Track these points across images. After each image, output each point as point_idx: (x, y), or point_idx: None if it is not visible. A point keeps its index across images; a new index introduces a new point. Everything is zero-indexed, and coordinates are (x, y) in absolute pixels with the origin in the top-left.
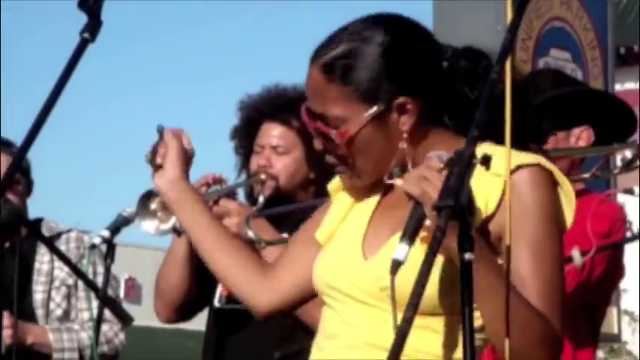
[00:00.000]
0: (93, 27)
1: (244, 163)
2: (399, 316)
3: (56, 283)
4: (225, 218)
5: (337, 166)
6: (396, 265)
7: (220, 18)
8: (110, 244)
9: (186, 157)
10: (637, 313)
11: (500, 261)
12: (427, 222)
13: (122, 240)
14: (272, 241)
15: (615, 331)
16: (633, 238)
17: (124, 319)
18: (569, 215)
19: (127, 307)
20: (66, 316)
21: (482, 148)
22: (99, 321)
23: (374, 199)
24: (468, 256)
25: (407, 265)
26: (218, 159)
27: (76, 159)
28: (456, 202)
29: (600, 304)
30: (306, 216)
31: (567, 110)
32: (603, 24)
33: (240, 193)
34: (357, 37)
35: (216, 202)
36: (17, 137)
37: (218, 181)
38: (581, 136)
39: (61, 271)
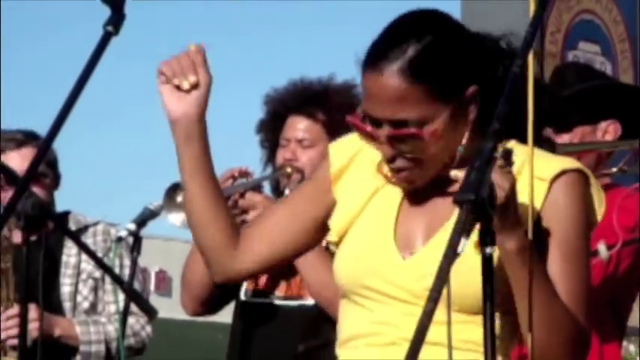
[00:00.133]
0: (116, 20)
1: (270, 157)
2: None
3: (83, 276)
4: (250, 211)
5: (406, 170)
6: (455, 257)
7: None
8: (136, 237)
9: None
10: None
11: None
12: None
13: (153, 232)
14: None
15: None
16: None
17: (149, 312)
18: (599, 213)
19: (158, 299)
20: (93, 308)
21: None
22: (125, 314)
23: (396, 192)
24: (489, 250)
25: (457, 264)
26: (244, 152)
27: (104, 152)
28: (477, 196)
29: (626, 298)
30: None
31: (594, 104)
32: (633, 16)
33: (266, 187)
34: (422, 34)
35: (242, 195)
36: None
37: (244, 174)
38: (607, 130)
39: (88, 264)
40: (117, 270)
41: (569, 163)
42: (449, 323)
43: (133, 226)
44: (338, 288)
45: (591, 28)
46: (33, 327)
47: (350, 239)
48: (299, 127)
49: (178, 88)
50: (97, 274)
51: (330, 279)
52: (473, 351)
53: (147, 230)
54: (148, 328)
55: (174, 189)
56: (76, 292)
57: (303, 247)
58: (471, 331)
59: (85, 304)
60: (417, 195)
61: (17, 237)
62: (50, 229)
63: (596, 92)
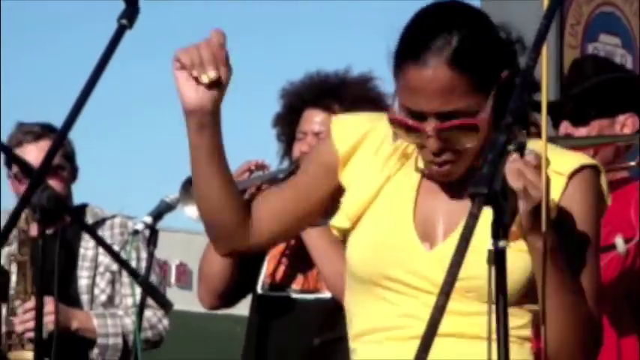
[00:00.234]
0: (130, 14)
1: (287, 150)
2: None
3: (100, 269)
4: None
5: (451, 163)
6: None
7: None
8: (153, 230)
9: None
10: None
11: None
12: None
13: (173, 226)
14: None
15: None
16: None
17: (165, 305)
18: (607, 203)
19: (178, 292)
20: (110, 301)
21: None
22: (141, 307)
23: (411, 179)
24: (501, 243)
25: (483, 256)
26: (261, 146)
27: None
28: (490, 190)
29: None
30: None
31: (612, 97)
32: None
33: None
34: (459, 24)
35: (258, 188)
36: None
37: (260, 167)
38: (626, 123)
39: (106, 257)
40: (134, 263)
41: (585, 158)
42: (491, 314)
43: (149, 219)
44: (350, 275)
45: (612, 20)
46: (49, 320)
47: (366, 226)
48: (315, 120)
49: (196, 80)
50: (115, 267)
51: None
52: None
53: (167, 223)
54: (165, 321)
55: (190, 182)
56: (93, 285)
57: (309, 223)
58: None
59: (103, 297)
60: (438, 186)
61: (35, 230)
62: (67, 223)
63: (614, 85)
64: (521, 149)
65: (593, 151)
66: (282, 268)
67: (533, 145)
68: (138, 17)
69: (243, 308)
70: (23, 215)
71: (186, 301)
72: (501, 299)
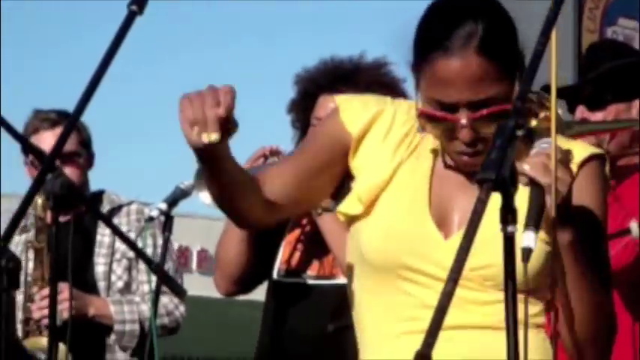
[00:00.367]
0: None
1: (302, 137)
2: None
3: (117, 256)
4: None
5: (481, 153)
6: (528, 253)
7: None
8: (168, 217)
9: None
10: None
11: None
12: None
13: (195, 212)
14: (328, 207)
15: None
16: None
17: (178, 292)
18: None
19: (200, 278)
20: (127, 288)
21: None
22: (157, 294)
23: (424, 165)
24: (510, 229)
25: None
26: (275, 132)
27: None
28: (498, 175)
29: None
30: None
31: (628, 81)
32: None
33: None
34: (481, 12)
35: None
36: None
37: (275, 153)
38: None
39: (122, 244)
40: (150, 250)
41: (592, 148)
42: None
43: (164, 206)
44: (362, 262)
45: (630, 3)
46: (65, 307)
47: (380, 213)
48: (330, 106)
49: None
50: (131, 253)
51: None
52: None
53: (189, 209)
54: (182, 308)
55: None
56: (110, 271)
57: (319, 199)
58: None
59: (119, 284)
60: (453, 174)
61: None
62: (84, 209)
63: (631, 69)
64: (530, 135)
65: (609, 136)
66: (297, 254)
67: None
68: (147, 3)
69: (262, 294)
70: (40, 202)
71: (207, 286)
72: (510, 285)
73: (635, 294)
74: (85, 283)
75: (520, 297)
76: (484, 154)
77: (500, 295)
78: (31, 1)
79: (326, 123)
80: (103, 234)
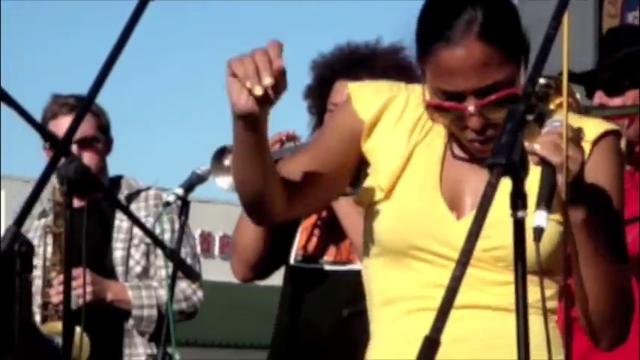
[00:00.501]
0: None
1: (318, 123)
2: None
3: (135, 241)
4: None
5: (494, 139)
6: (539, 232)
7: None
8: (184, 202)
9: None
10: None
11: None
12: None
13: (217, 197)
14: (345, 192)
15: None
16: None
17: (192, 277)
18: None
19: (222, 263)
20: (145, 273)
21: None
22: (173, 279)
23: (436, 148)
24: (520, 213)
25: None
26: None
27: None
28: (508, 160)
29: None
30: None
31: None
32: None
33: None
34: None
35: None
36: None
37: (291, 138)
38: None
39: None
40: (169, 235)
41: (607, 124)
42: (542, 291)
43: (180, 191)
44: (376, 245)
45: None
46: (86, 291)
47: (397, 197)
48: (346, 91)
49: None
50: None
51: None
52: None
53: (211, 195)
54: (200, 293)
55: (221, 153)
56: (128, 256)
57: (336, 191)
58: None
59: (138, 269)
60: (463, 157)
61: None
62: (100, 195)
63: None
64: (540, 119)
65: (627, 122)
66: (314, 240)
67: (573, 120)
68: None
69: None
70: (58, 187)
71: (229, 272)
72: (520, 269)
73: None
74: (104, 268)
75: (534, 279)
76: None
77: (509, 276)
78: None
79: (338, 114)
80: (122, 219)
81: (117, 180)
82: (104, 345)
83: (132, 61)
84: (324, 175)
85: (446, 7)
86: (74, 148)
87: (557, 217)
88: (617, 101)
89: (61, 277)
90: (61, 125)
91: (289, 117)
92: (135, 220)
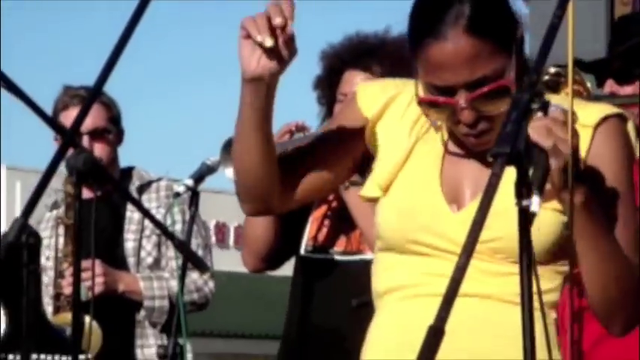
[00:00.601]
0: None
1: (327, 113)
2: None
3: (147, 232)
4: None
5: (488, 132)
6: (531, 217)
7: None
8: (194, 193)
9: None
10: None
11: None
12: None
13: (231, 188)
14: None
15: None
16: None
17: (201, 267)
18: (637, 150)
19: (237, 254)
20: (156, 264)
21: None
22: (183, 270)
23: (436, 143)
24: (525, 202)
25: (511, 217)
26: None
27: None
28: (512, 149)
29: None
30: None
31: None
32: None
33: None
34: None
35: None
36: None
37: (301, 129)
38: None
39: None
40: (180, 226)
41: (609, 108)
42: (533, 279)
43: (190, 182)
44: (378, 239)
45: None
46: (97, 282)
47: (395, 193)
48: (356, 81)
49: (260, 45)
50: None
51: None
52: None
53: (226, 186)
54: (211, 284)
55: (230, 144)
56: (139, 247)
57: (333, 189)
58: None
59: (149, 260)
60: (462, 151)
61: (85, 193)
62: (121, 187)
63: None
64: (544, 107)
65: (638, 110)
66: (324, 230)
67: (556, 99)
68: None
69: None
70: (69, 178)
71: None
72: (525, 259)
73: None
74: (115, 259)
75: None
76: (490, 132)
77: (513, 268)
78: None
79: (344, 110)
80: (133, 210)
81: (128, 171)
82: (116, 336)
83: (143, 54)
84: (324, 166)
85: (434, 3)
86: (85, 139)
87: (556, 205)
88: (627, 90)
89: (74, 268)
90: (71, 117)
91: (299, 108)
92: (143, 211)
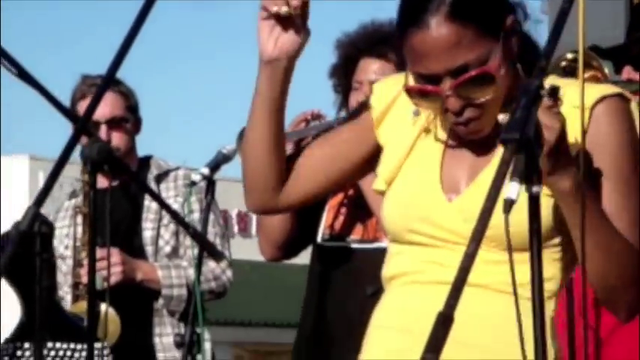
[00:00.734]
0: None
1: (343, 101)
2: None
3: (165, 221)
4: None
5: (475, 119)
6: (509, 205)
7: None
8: (210, 181)
9: None
10: None
11: None
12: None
13: None
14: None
15: None
16: None
17: (216, 256)
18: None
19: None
20: (174, 252)
21: (550, 80)
22: (200, 258)
23: (440, 138)
24: (535, 189)
25: (498, 205)
26: (317, 97)
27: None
28: (522, 135)
29: None
30: None
31: None
32: None
33: None
34: None
35: (315, 137)
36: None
37: (317, 117)
38: None
39: (171, 207)
40: (197, 214)
41: (608, 88)
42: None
43: (206, 171)
44: (387, 233)
45: None
46: (115, 271)
47: (397, 186)
48: (371, 68)
49: (278, 19)
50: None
51: None
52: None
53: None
54: (229, 272)
55: None
56: (157, 236)
57: (343, 184)
58: (518, 271)
59: (167, 249)
60: (461, 142)
61: (101, 182)
62: (134, 175)
63: None
64: (554, 94)
65: None
66: (341, 218)
67: (559, 82)
68: None
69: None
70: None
71: None
72: (535, 245)
73: None
74: (133, 248)
75: (520, 257)
76: (479, 120)
77: (503, 256)
78: None
79: (359, 116)
80: (151, 199)
81: (146, 160)
82: (134, 324)
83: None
84: (336, 169)
85: None
86: (103, 128)
87: (547, 191)
88: None
89: None
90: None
91: (314, 96)
92: (157, 199)
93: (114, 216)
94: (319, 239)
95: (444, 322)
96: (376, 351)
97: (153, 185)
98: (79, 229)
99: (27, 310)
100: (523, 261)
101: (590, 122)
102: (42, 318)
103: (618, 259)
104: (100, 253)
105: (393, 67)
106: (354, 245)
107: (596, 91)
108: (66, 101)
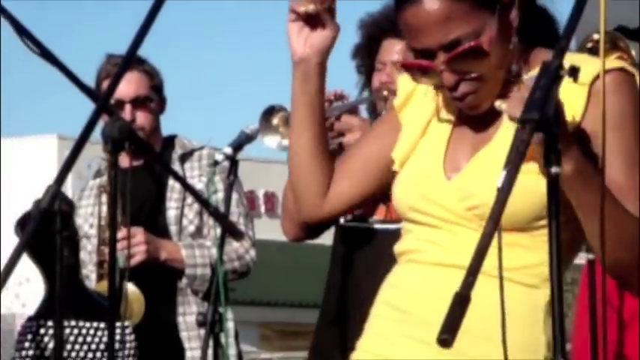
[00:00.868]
0: None
1: (366, 82)
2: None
3: (189, 200)
4: (347, 133)
5: (471, 93)
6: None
7: None
8: (233, 161)
9: None
10: None
11: None
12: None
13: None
14: None
15: None
16: None
17: (236, 235)
18: None
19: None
20: (198, 232)
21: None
22: (222, 238)
23: (450, 119)
24: (554, 169)
25: (492, 184)
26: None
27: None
28: (542, 115)
29: None
30: None
31: None
32: None
33: (363, 111)
34: None
35: (338, 118)
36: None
37: (340, 97)
38: None
39: (196, 187)
40: (221, 194)
41: (609, 62)
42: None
43: (229, 150)
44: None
45: None
46: (139, 250)
47: (407, 167)
48: (395, 49)
49: (307, 19)
50: (203, 196)
51: None
52: (506, 279)
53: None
54: (252, 252)
55: (269, 112)
56: (181, 215)
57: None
58: (509, 255)
59: (191, 228)
60: (466, 122)
61: (125, 162)
62: (156, 154)
63: None
64: (574, 74)
65: None
66: None
67: (572, 59)
68: None
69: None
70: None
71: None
72: (554, 228)
73: None
74: (157, 227)
75: (511, 239)
76: (475, 94)
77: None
78: None
79: (386, 113)
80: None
81: (171, 139)
82: (158, 303)
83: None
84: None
85: None
86: (128, 107)
87: (538, 169)
88: None
89: (118, 235)
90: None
91: (338, 76)
92: (178, 178)
93: (138, 195)
94: (342, 220)
95: (460, 303)
96: (372, 330)
97: (177, 165)
98: (104, 208)
99: (49, 288)
100: (515, 243)
101: (589, 98)
102: (62, 296)
103: (627, 237)
104: (122, 232)
105: None
106: (377, 226)
107: (598, 65)
108: (91, 81)
